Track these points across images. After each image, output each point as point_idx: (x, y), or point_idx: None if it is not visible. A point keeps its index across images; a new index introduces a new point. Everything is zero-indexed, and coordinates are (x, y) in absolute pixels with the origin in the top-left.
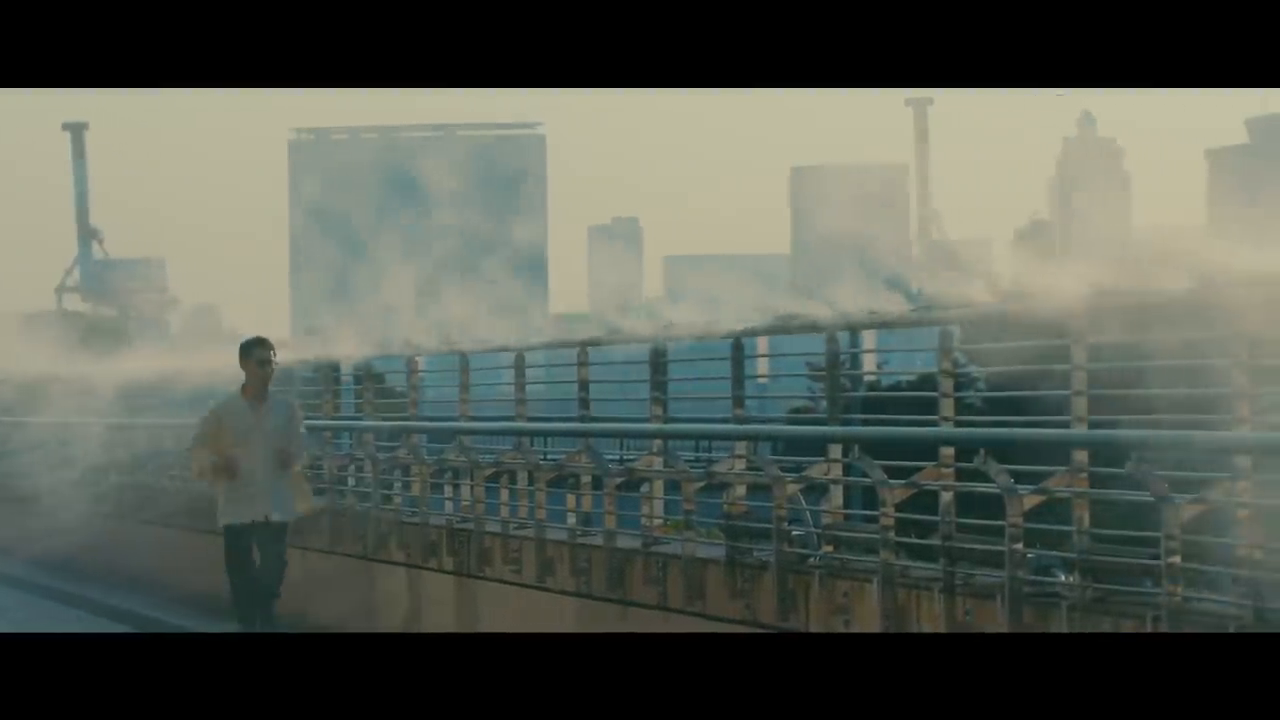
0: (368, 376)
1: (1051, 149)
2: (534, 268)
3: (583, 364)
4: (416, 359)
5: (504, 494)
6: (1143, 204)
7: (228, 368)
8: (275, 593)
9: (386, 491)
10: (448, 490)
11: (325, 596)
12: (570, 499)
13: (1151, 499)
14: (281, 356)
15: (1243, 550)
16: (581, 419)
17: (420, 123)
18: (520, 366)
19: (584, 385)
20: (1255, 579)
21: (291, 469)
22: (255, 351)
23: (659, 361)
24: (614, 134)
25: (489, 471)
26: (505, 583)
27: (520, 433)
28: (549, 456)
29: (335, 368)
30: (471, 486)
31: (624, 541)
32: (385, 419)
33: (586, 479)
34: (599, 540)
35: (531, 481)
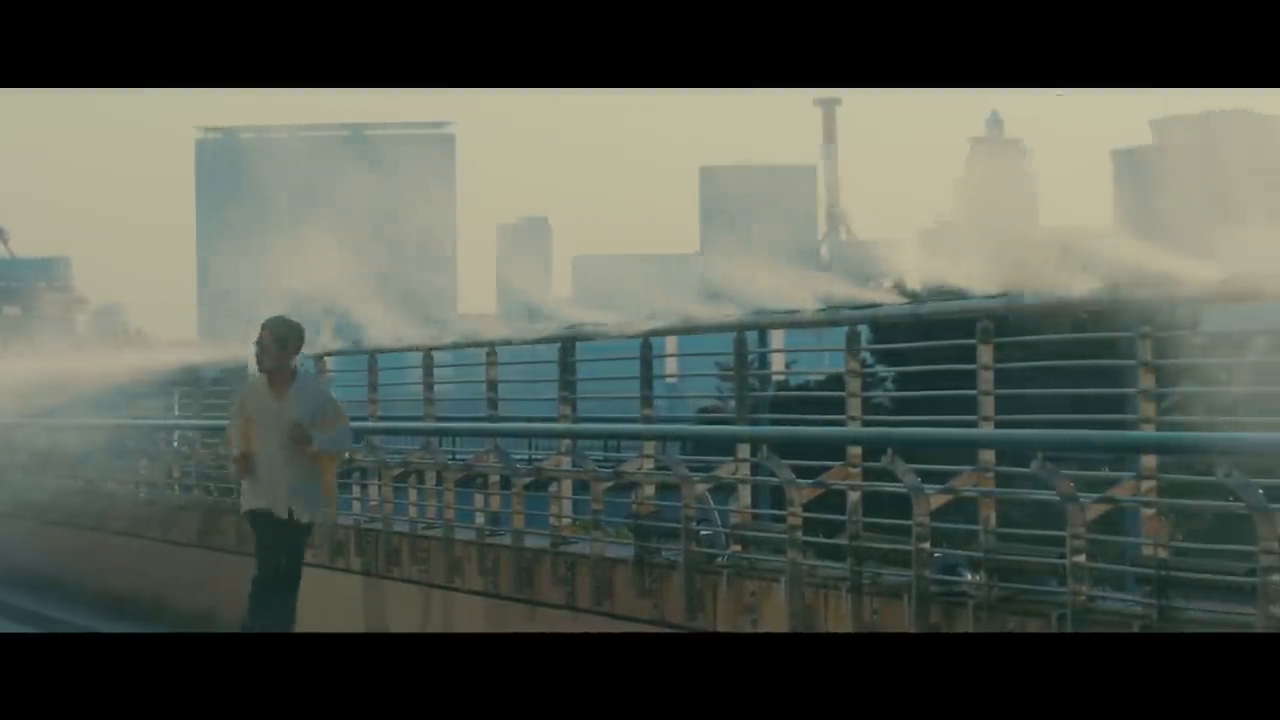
0: None
1: (959, 150)
2: (442, 267)
3: (491, 364)
4: (324, 359)
5: (412, 494)
6: (1050, 204)
7: (129, 367)
8: (294, 585)
9: None
10: (355, 490)
11: (233, 598)
12: (478, 499)
13: (1057, 498)
14: (189, 357)
15: (1147, 549)
16: (490, 419)
17: (329, 122)
18: (428, 366)
19: (492, 385)
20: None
21: (310, 456)
22: (259, 336)
23: (568, 361)
24: (523, 133)
25: (397, 471)
26: (413, 583)
27: (428, 432)
28: (457, 456)
29: (244, 368)
30: (379, 486)
31: (532, 541)
32: None
33: (495, 479)
34: (507, 540)
35: (440, 481)
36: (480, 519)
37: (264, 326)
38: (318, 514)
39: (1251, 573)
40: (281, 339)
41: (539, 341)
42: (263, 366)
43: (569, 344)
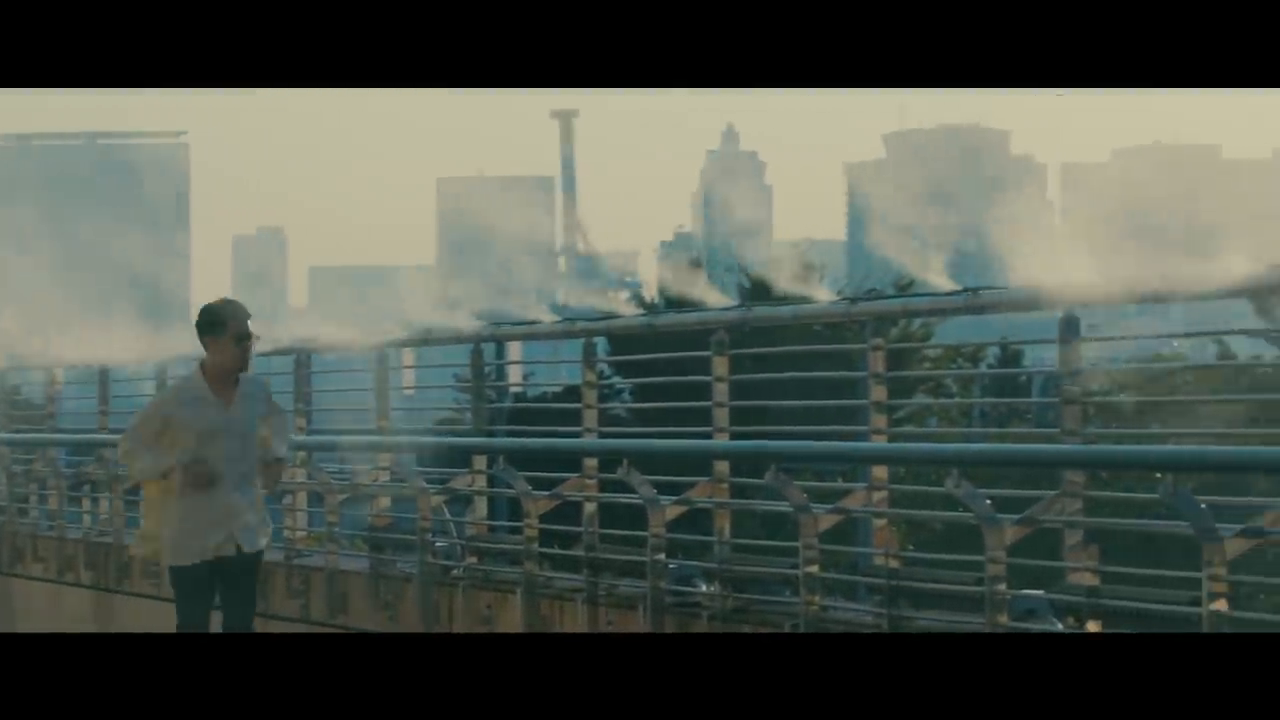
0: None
1: (696, 162)
2: (176, 280)
3: None
4: (55, 371)
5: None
6: (785, 217)
7: None
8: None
9: (22, 505)
10: (85, 504)
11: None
12: None
13: (790, 508)
14: None
15: (878, 559)
16: None
17: (60, 130)
18: (161, 379)
19: None
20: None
21: (270, 484)
22: (230, 321)
23: (303, 373)
24: (258, 144)
25: (129, 484)
26: (145, 597)
27: None
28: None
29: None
30: (110, 500)
31: (268, 555)
32: (20, 431)
33: None
34: None
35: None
36: None
37: (239, 315)
38: (260, 542)
39: (979, 582)
40: (247, 327)
41: (273, 354)
42: (244, 364)
43: (304, 356)
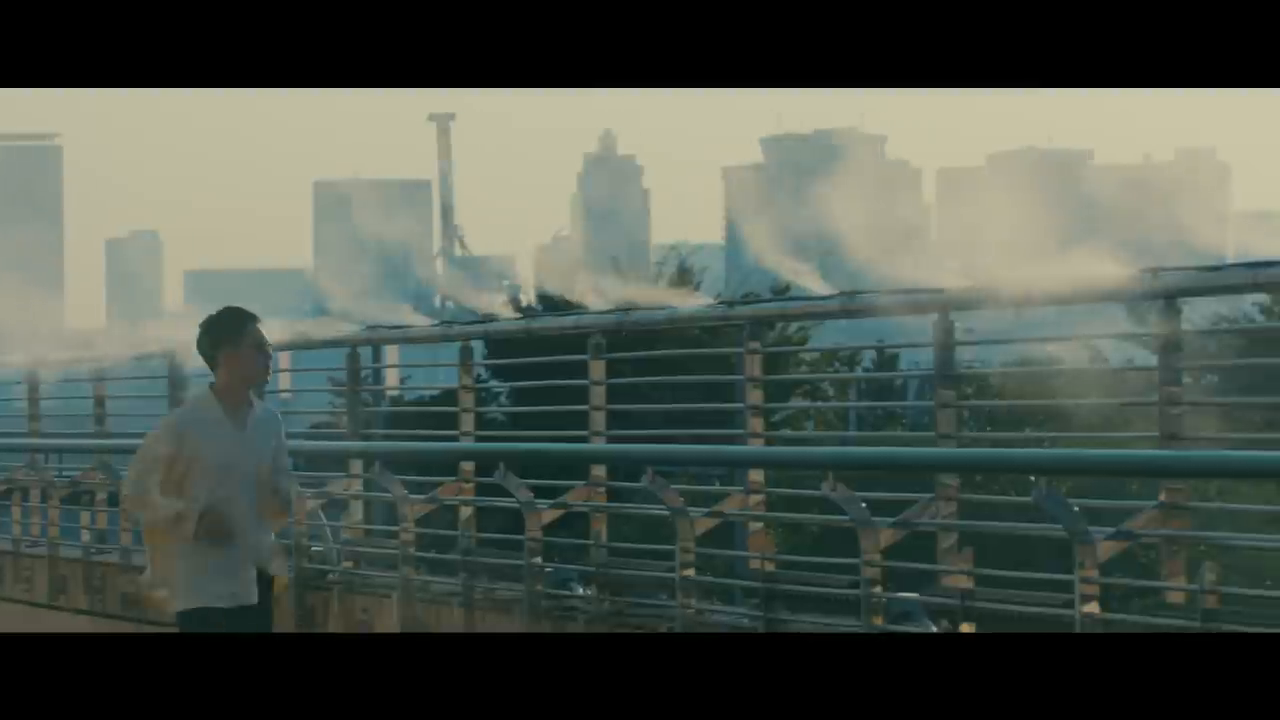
0: None
1: (573, 165)
2: (48, 283)
3: (99, 380)
4: None
5: (16, 511)
6: (662, 221)
7: None
8: None
9: None
10: None
11: None
12: (85, 516)
13: (667, 512)
14: None
15: (754, 563)
16: (97, 435)
17: None
18: (34, 383)
19: (100, 401)
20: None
21: (279, 519)
22: (249, 327)
23: (176, 377)
24: (132, 146)
25: (0, 489)
26: (16, 602)
27: (33, 449)
28: (63, 473)
29: None
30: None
31: (140, 559)
32: None
33: (102, 496)
34: (115, 558)
35: (44, 499)
36: (86, 536)
37: (255, 326)
38: (283, 565)
39: (855, 585)
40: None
41: (149, 357)
42: (258, 382)
43: (178, 360)
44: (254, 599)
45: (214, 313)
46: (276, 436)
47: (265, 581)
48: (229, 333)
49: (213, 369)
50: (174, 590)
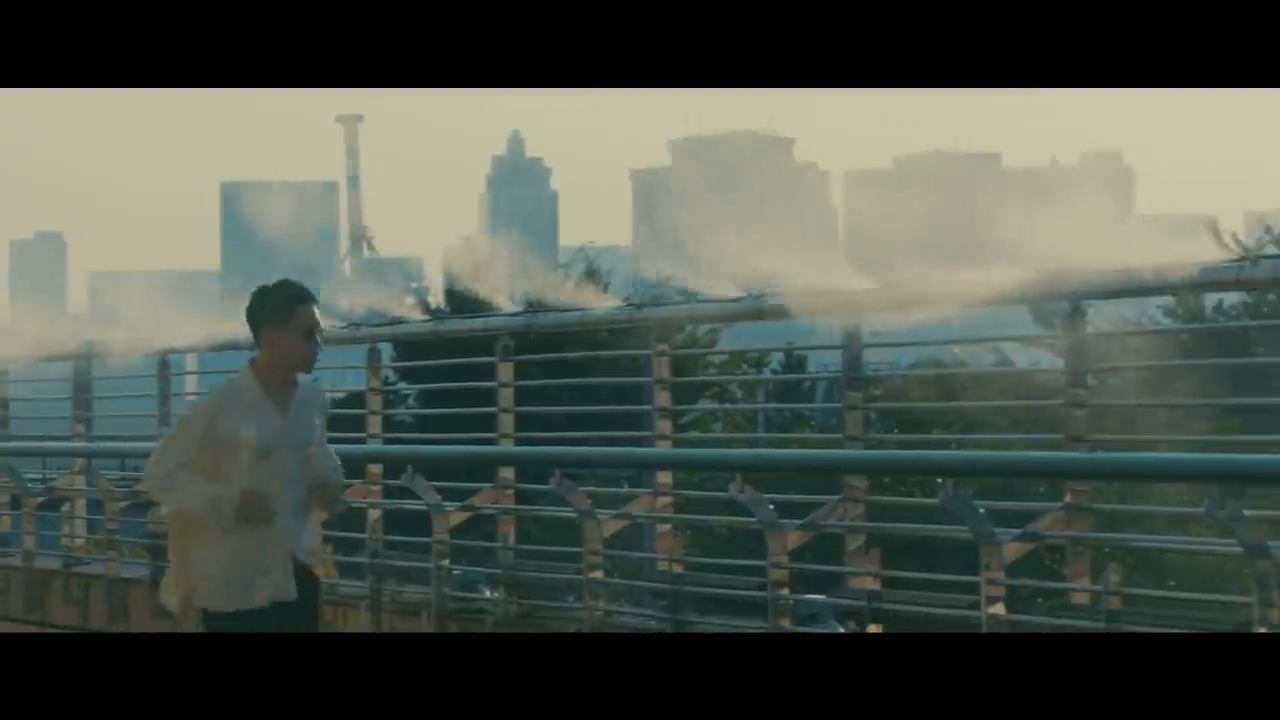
0: None
1: (482, 167)
2: None
3: (2, 382)
4: None
5: None
6: (570, 223)
7: None
8: None
9: None
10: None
11: None
12: None
13: (575, 514)
14: None
15: (662, 565)
16: (1, 437)
17: None
18: None
19: (4, 404)
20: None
21: (331, 508)
22: (296, 306)
23: (82, 379)
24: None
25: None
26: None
27: None
28: None
29: None
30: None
31: (43, 562)
32: None
33: (4, 499)
34: (17, 561)
35: None
36: None
37: (306, 299)
38: (321, 559)
39: (762, 587)
40: (316, 316)
41: (52, 359)
42: (301, 370)
43: (84, 362)
44: (293, 594)
45: (269, 283)
46: (322, 412)
47: (309, 579)
48: (275, 311)
49: (256, 343)
50: (200, 591)
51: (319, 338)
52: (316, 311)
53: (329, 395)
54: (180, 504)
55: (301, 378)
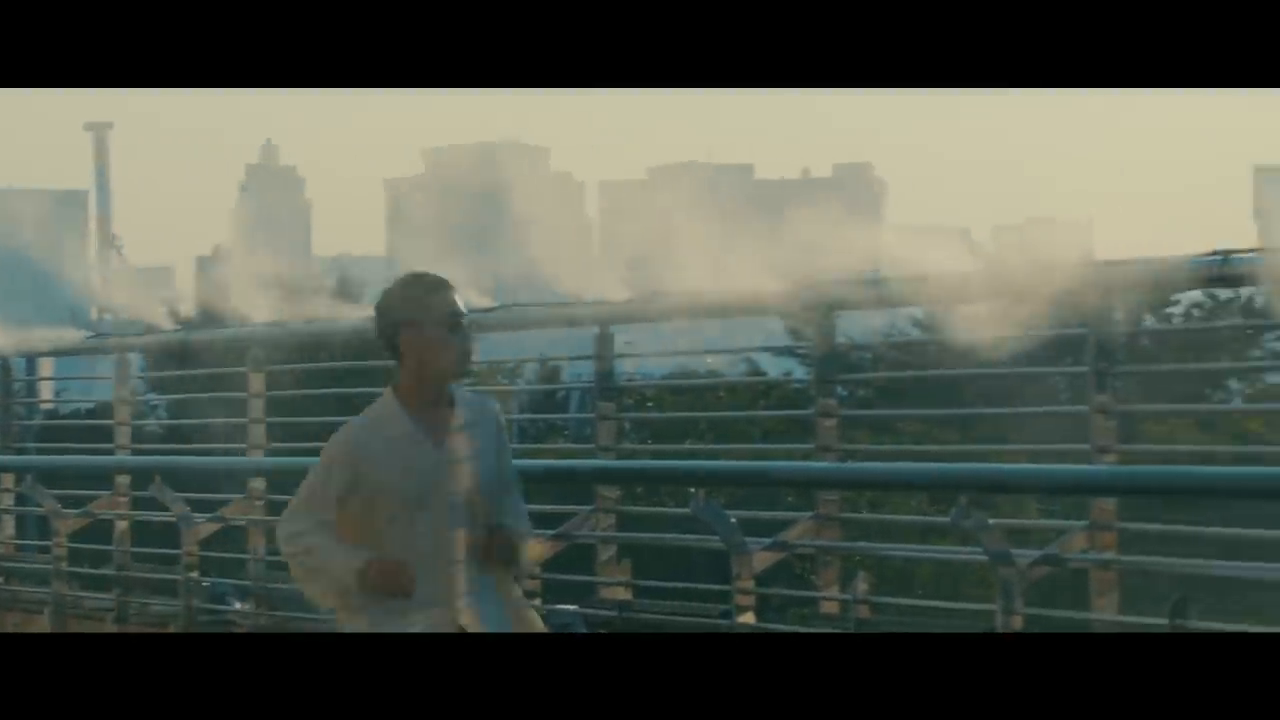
0: None
1: (235, 176)
2: None
3: None
4: None
5: None
6: (324, 233)
7: None
8: None
9: None
10: None
11: None
12: None
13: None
14: None
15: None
16: None
17: None
18: None
19: None
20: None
21: (517, 563)
22: (439, 298)
23: None
24: None
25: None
26: None
27: None
28: None
29: None
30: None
31: None
32: None
33: None
34: None
35: None
36: None
37: (443, 289)
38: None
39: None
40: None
41: None
42: (455, 376)
43: None
44: None
45: (390, 284)
46: (497, 439)
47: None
48: (408, 306)
49: (395, 361)
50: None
51: (469, 332)
52: (458, 300)
53: (500, 411)
54: (308, 583)
55: (462, 392)
